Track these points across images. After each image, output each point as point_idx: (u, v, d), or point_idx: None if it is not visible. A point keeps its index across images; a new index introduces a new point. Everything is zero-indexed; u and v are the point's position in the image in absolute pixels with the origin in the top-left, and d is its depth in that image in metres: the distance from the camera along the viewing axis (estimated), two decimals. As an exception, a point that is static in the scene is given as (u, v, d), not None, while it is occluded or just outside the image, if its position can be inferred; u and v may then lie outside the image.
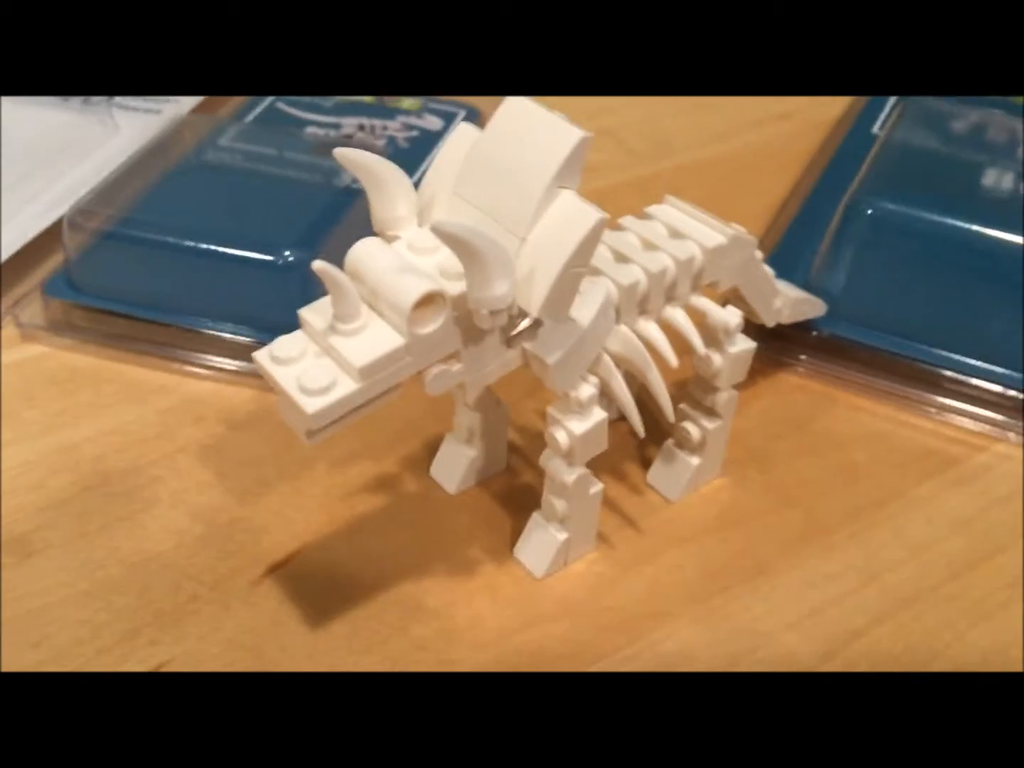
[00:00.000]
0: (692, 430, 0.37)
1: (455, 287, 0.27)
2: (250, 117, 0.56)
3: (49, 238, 0.46)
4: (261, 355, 0.28)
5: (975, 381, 0.41)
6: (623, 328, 0.33)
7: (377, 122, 0.55)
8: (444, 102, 0.58)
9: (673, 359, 0.33)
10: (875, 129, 0.57)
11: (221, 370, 0.41)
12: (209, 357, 0.42)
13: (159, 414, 0.40)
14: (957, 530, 0.37)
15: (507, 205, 0.28)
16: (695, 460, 0.37)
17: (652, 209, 0.35)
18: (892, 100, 0.58)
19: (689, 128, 0.61)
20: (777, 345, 0.44)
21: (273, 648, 0.32)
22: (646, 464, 0.39)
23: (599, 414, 0.31)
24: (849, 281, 0.43)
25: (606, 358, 0.32)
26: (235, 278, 0.41)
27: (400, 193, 0.29)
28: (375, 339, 0.27)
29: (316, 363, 0.27)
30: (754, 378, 0.43)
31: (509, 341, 0.30)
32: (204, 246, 0.42)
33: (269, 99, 0.58)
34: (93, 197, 0.44)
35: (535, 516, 0.35)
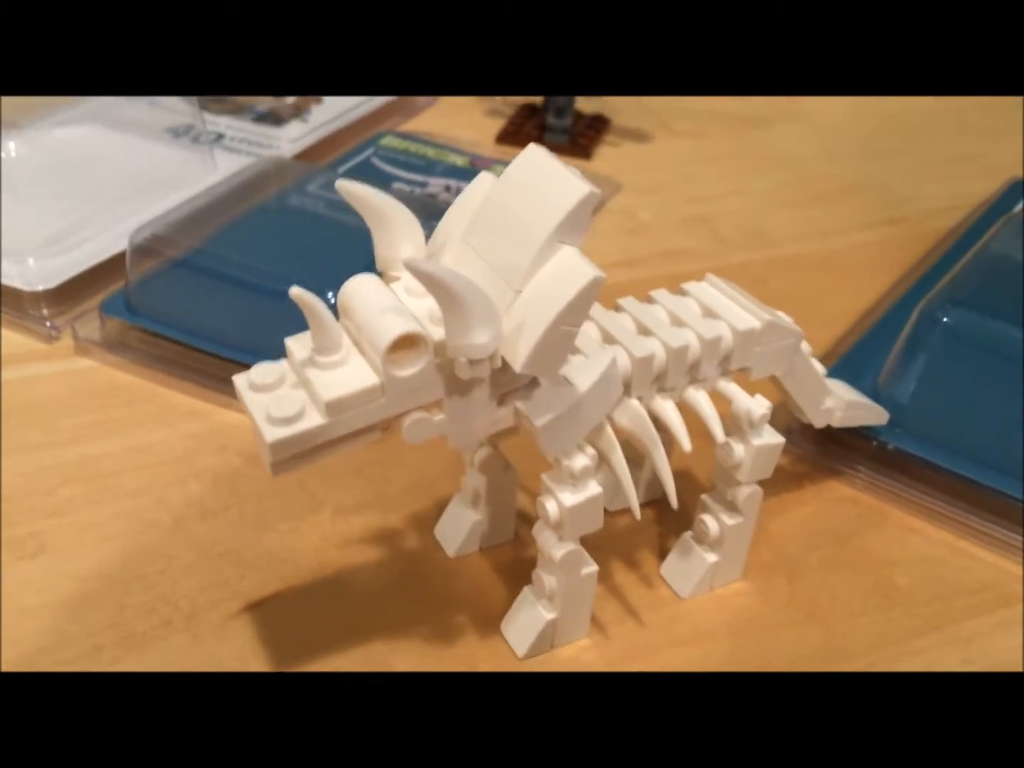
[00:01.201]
0: (711, 524, 0.34)
1: (440, 332, 0.26)
2: (344, 168, 0.57)
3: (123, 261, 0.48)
4: (240, 379, 0.27)
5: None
6: (633, 402, 0.31)
7: (464, 184, 0.55)
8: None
9: (686, 443, 0.31)
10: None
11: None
12: (245, 391, 0.42)
13: (183, 438, 0.40)
14: (997, 676, 0.33)
15: (508, 256, 0.27)
16: (712, 557, 0.34)
17: (689, 285, 0.34)
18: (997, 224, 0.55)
19: (789, 223, 0.59)
20: (832, 452, 0.41)
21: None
22: (662, 556, 0.36)
23: (594, 488, 0.30)
24: (917, 391, 0.40)
25: (608, 430, 0.30)
26: (284, 316, 0.41)
27: (405, 233, 0.28)
28: (350, 375, 0.26)
29: (289, 393, 0.26)
30: (801, 482, 0.40)
31: (501, 398, 0.29)
32: (259, 282, 0.42)
33: (367, 153, 0.59)
34: (162, 224, 0.45)
35: (525, 591, 0.33)
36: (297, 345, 0.27)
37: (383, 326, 0.26)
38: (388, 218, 0.28)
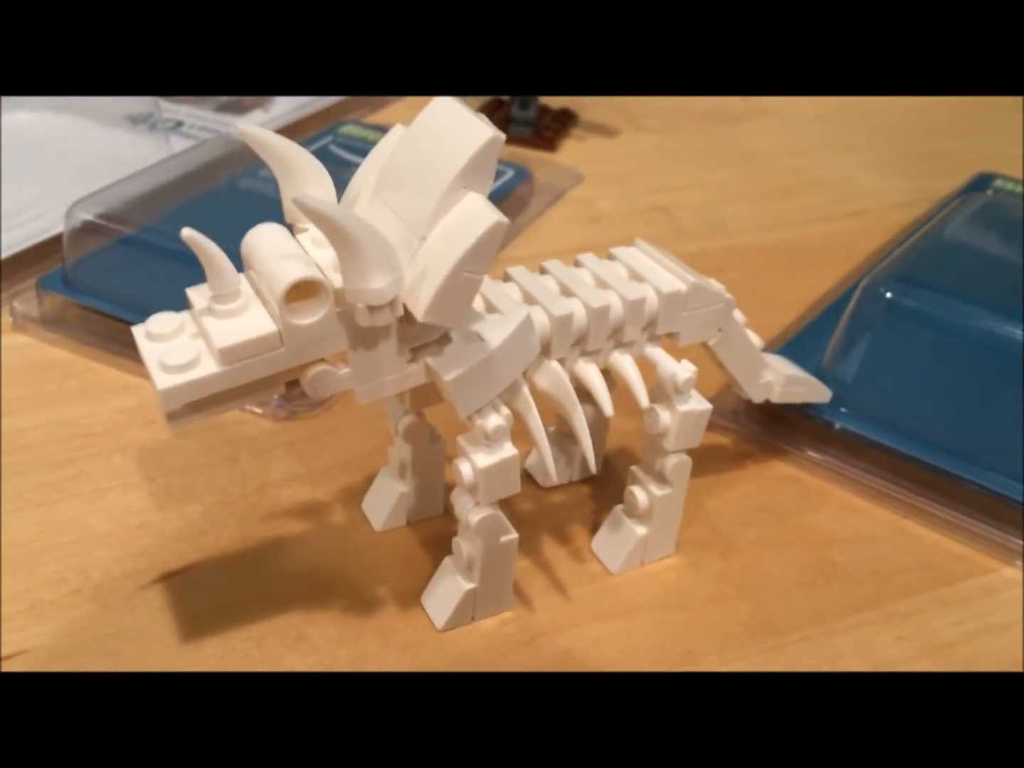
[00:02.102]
0: (639, 495, 0.33)
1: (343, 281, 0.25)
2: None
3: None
4: (137, 329, 0.27)
5: (990, 494, 0.37)
6: (553, 364, 0.30)
7: (418, 171, 0.55)
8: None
9: (607, 406, 0.30)
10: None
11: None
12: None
13: (113, 413, 0.39)
14: (930, 653, 0.32)
15: (414, 204, 0.26)
16: (641, 529, 0.34)
17: (617, 250, 0.33)
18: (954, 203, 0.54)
19: (749, 214, 0.58)
20: (779, 431, 0.40)
21: (134, 655, 0.30)
22: (597, 532, 0.35)
23: (509, 450, 0.29)
24: (860, 370, 0.39)
25: (525, 391, 0.29)
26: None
27: (312, 183, 0.27)
28: (248, 323, 0.25)
29: (186, 342, 0.26)
30: (743, 462, 0.39)
31: (412, 353, 0.28)
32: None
33: (325, 140, 0.58)
34: (103, 200, 0.44)
35: (446, 561, 0.32)
36: (197, 295, 0.27)
37: (281, 272, 0.25)
38: (295, 167, 0.27)
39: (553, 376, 0.30)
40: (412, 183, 0.26)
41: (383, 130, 0.62)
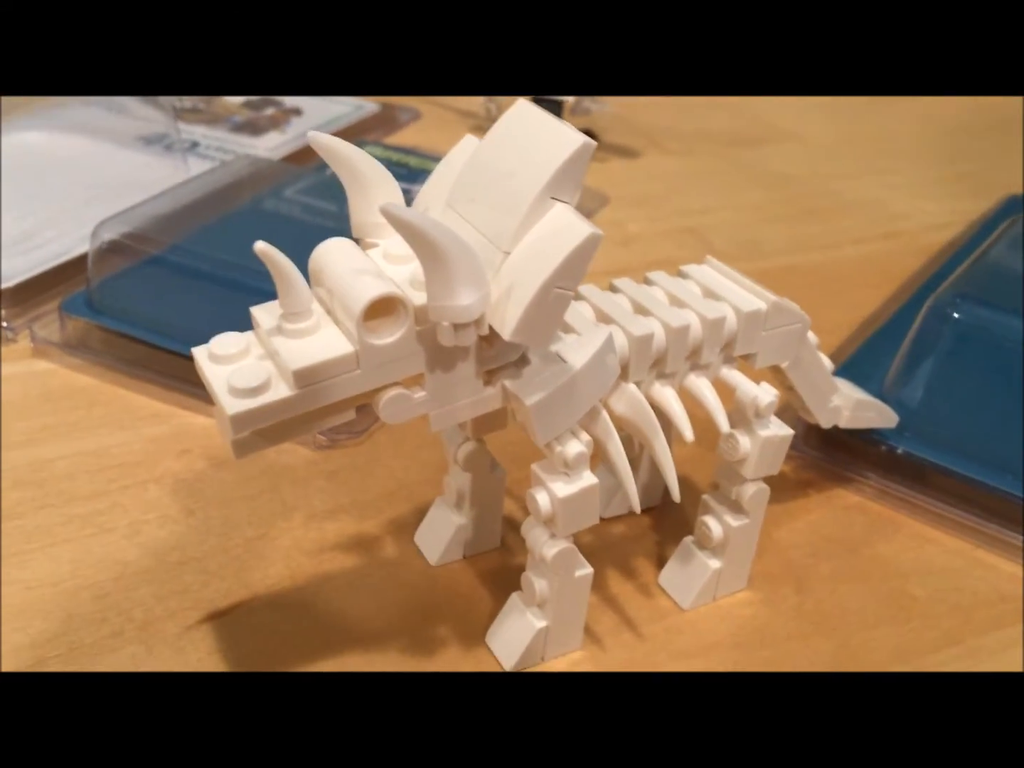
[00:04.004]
0: (713, 526, 0.32)
1: (422, 297, 0.24)
2: (329, 171, 0.55)
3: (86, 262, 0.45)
4: (199, 351, 0.25)
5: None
6: (631, 387, 0.28)
7: (447, 191, 0.53)
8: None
9: (688, 432, 0.29)
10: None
11: (220, 406, 0.38)
12: (212, 392, 0.39)
13: (144, 442, 0.37)
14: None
15: (496, 218, 0.24)
16: (714, 563, 0.32)
17: (688, 268, 0.31)
18: (1003, 226, 0.53)
19: (782, 236, 0.57)
20: (840, 457, 0.38)
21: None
22: (662, 564, 0.33)
23: (589, 478, 0.27)
24: (927, 392, 0.38)
25: (604, 416, 0.28)
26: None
27: (383, 195, 0.26)
28: (322, 343, 0.24)
29: (254, 364, 0.24)
30: (806, 490, 0.38)
31: (488, 376, 0.26)
32: (232, 278, 0.40)
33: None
34: (128, 220, 0.42)
35: (513, 597, 0.30)
36: (264, 314, 0.25)
37: (358, 289, 0.23)
38: (364, 177, 0.26)
39: (632, 399, 0.28)
40: (492, 194, 0.24)
41: (404, 151, 0.60)
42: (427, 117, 0.69)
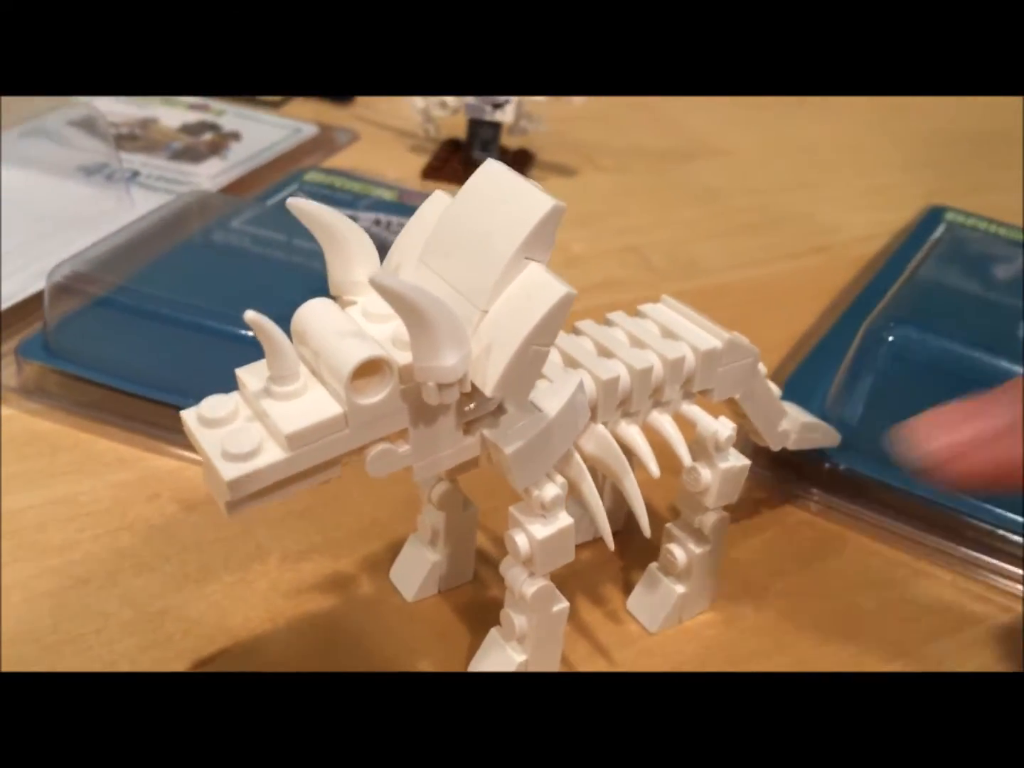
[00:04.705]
0: (677, 553, 0.33)
1: (405, 357, 0.25)
2: (271, 201, 0.56)
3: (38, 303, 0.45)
4: (188, 414, 0.25)
5: (1005, 532, 0.37)
6: (599, 428, 0.30)
7: (394, 218, 0.54)
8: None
9: (654, 468, 0.30)
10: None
11: (186, 448, 0.39)
12: (176, 435, 0.39)
13: (112, 488, 0.37)
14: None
15: (470, 275, 0.25)
16: (680, 588, 0.33)
17: (646, 307, 0.33)
18: (931, 241, 0.56)
19: (718, 253, 0.59)
20: (787, 475, 0.40)
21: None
22: (629, 589, 0.35)
23: (565, 519, 0.28)
24: (866, 411, 0.40)
25: (577, 458, 0.29)
26: (213, 354, 0.39)
27: (360, 255, 0.27)
28: (311, 405, 0.25)
29: (245, 427, 0.25)
30: (759, 508, 0.39)
31: (467, 426, 0.27)
32: (188, 318, 0.40)
33: (291, 188, 0.57)
34: (82, 261, 0.42)
35: (493, 632, 0.31)
36: (250, 376, 0.25)
37: (344, 351, 0.24)
38: (342, 239, 0.26)
39: (601, 440, 0.30)
40: (467, 252, 0.26)
41: (345, 175, 0.61)
42: (365, 138, 0.69)
